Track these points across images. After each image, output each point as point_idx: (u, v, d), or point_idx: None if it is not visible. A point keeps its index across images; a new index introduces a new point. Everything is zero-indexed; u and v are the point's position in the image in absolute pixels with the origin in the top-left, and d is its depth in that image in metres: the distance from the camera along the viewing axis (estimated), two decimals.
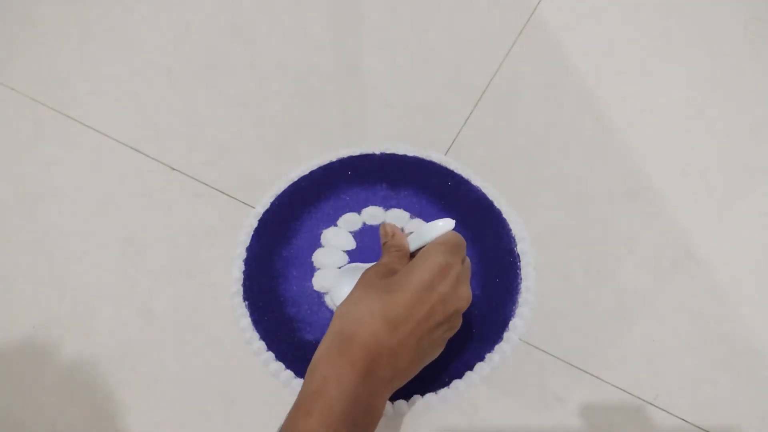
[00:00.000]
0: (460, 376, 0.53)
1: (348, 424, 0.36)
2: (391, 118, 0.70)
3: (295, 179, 0.65)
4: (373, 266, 0.45)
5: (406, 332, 0.38)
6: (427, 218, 0.61)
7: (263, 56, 0.77)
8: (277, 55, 0.77)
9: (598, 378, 0.53)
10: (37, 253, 0.63)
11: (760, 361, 0.53)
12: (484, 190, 0.63)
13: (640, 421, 0.51)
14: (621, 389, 0.52)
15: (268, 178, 0.66)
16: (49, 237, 0.63)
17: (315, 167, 0.66)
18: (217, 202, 0.65)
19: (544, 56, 0.74)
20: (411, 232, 0.47)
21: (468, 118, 0.69)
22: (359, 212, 0.62)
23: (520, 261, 0.59)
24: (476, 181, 0.64)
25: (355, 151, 0.67)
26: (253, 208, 0.64)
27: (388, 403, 0.52)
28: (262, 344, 0.55)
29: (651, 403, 0.51)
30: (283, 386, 0.53)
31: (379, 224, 0.47)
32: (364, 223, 0.61)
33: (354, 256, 0.59)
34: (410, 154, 0.66)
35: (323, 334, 0.55)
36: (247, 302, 0.58)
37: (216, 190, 0.66)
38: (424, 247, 0.45)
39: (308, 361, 0.54)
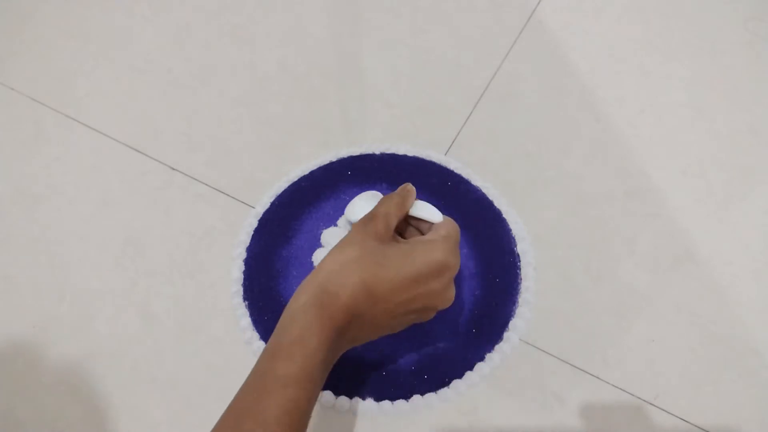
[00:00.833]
0: (460, 376, 0.53)
1: (320, 373, 0.38)
2: (391, 118, 0.70)
3: (295, 179, 0.65)
4: (370, 218, 0.43)
5: (384, 309, 0.40)
6: None
7: (263, 56, 0.77)
8: (277, 55, 0.77)
9: (598, 378, 0.53)
10: (37, 253, 0.63)
11: (760, 361, 0.53)
12: (484, 190, 0.63)
13: (640, 421, 0.51)
14: (621, 389, 0.52)
15: (268, 178, 0.66)
16: (49, 237, 0.64)
17: (315, 167, 0.66)
18: (217, 202, 0.65)
19: (544, 56, 0.74)
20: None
21: (468, 118, 0.69)
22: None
23: (520, 261, 0.59)
24: (476, 181, 0.64)
25: (355, 151, 0.67)
26: (253, 208, 0.64)
27: (389, 402, 0.52)
28: (262, 344, 0.55)
29: (651, 403, 0.51)
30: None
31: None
32: None
33: None
34: (410, 154, 0.66)
35: None
36: (247, 302, 0.58)
37: (216, 190, 0.66)
38: (424, 222, 0.46)
39: None
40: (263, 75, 0.75)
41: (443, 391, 0.52)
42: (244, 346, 0.56)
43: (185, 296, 0.59)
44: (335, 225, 0.61)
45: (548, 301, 0.57)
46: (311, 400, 0.38)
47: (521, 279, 0.58)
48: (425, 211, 0.46)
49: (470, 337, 0.54)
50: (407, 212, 0.46)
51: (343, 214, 0.62)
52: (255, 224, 0.62)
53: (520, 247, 0.59)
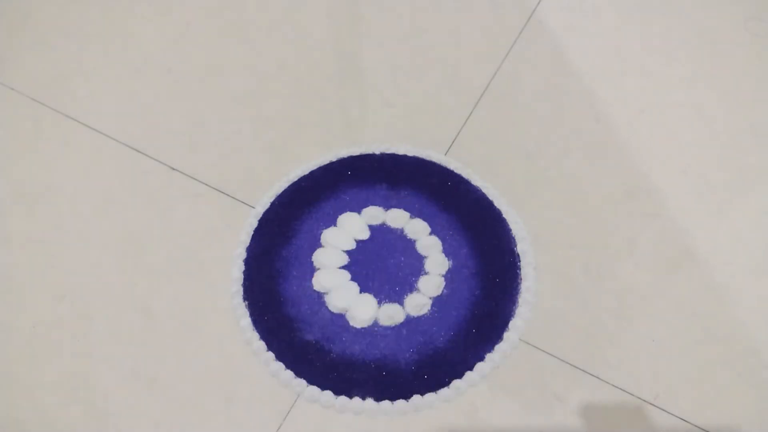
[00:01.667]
0: (460, 376, 0.53)
1: None
2: (391, 118, 0.70)
3: (295, 179, 0.65)
4: None
5: None
6: (427, 218, 0.61)
7: (263, 56, 0.77)
8: (277, 55, 0.77)
9: (598, 378, 0.53)
10: (37, 253, 0.62)
11: (760, 361, 0.53)
12: (484, 190, 0.63)
13: (640, 421, 0.51)
14: (621, 389, 0.52)
15: (268, 178, 0.66)
16: (49, 237, 0.63)
17: (315, 167, 0.66)
18: (217, 202, 0.65)
19: (544, 56, 0.74)
20: None
21: (468, 118, 0.69)
22: (359, 212, 0.62)
23: (520, 261, 0.59)
24: (476, 181, 0.64)
25: (355, 151, 0.67)
26: (253, 208, 0.64)
27: (389, 402, 0.52)
28: (262, 344, 0.55)
29: (651, 403, 0.51)
30: (283, 386, 0.53)
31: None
32: (369, 225, 0.61)
33: (354, 255, 0.59)
34: (410, 154, 0.66)
35: (323, 334, 0.55)
36: (247, 302, 0.58)
37: (216, 190, 0.66)
38: None
39: (308, 361, 0.54)
40: (263, 75, 0.75)
41: (443, 391, 0.52)
42: (244, 346, 0.56)
43: (185, 296, 0.59)
44: (335, 225, 0.61)
45: (548, 301, 0.57)
46: None
47: (521, 279, 0.58)
48: None
49: (470, 337, 0.54)
50: None
51: (343, 214, 0.62)
52: (255, 224, 0.62)
53: (520, 247, 0.59)
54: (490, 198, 0.62)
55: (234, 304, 0.58)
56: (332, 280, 0.57)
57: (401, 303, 0.56)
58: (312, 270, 0.59)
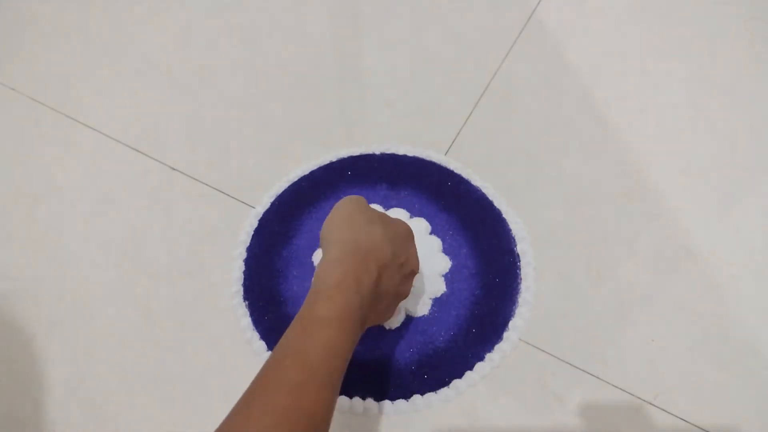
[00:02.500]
0: (460, 376, 0.53)
1: (358, 317, 0.40)
2: (391, 118, 0.70)
3: (295, 179, 0.65)
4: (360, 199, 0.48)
5: (396, 264, 0.44)
6: (427, 218, 0.61)
7: (263, 56, 0.77)
8: (277, 55, 0.77)
9: (598, 378, 0.53)
10: (37, 253, 0.63)
11: (760, 361, 0.53)
12: (484, 190, 0.63)
13: (640, 421, 0.51)
14: (621, 389, 0.52)
15: (268, 178, 0.66)
16: (49, 237, 0.64)
17: (315, 167, 0.66)
18: (217, 202, 0.65)
19: (544, 56, 0.74)
20: None
21: (468, 118, 0.69)
22: None
23: (520, 261, 0.59)
24: (476, 181, 0.64)
25: (355, 151, 0.67)
26: (253, 208, 0.64)
27: (389, 402, 0.52)
28: (262, 344, 0.55)
29: (651, 403, 0.51)
30: None
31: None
32: None
33: None
34: (410, 154, 0.66)
35: None
36: (247, 302, 0.58)
37: (216, 190, 0.66)
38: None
39: None
40: (263, 75, 0.75)
41: (443, 391, 0.52)
42: (244, 346, 0.56)
43: (185, 296, 0.59)
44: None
45: (548, 301, 0.57)
46: (350, 342, 0.39)
47: (521, 279, 0.58)
48: None
49: (470, 337, 0.54)
50: None
51: None
52: (255, 224, 0.62)
53: (520, 247, 0.59)
54: (490, 198, 0.62)
55: (234, 304, 0.58)
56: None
57: (401, 303, 0.56)
58: (312, 270, 0.59)
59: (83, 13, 0.82)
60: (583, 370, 0.53)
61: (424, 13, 0.79)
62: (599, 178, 0.64)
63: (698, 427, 0.50)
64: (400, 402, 0.52)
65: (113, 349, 0.56)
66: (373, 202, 0.62)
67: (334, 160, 0.66)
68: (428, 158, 0.66)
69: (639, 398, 0.52)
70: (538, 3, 0.79)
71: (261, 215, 0.63)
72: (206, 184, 0.66)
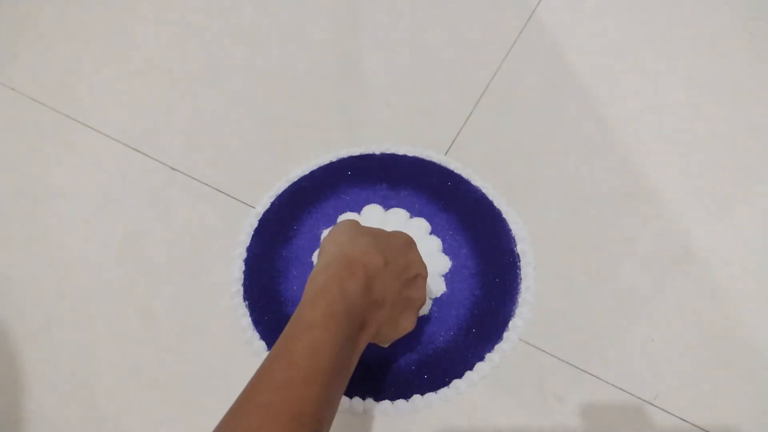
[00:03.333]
0: (460, 376, 0.53)
1: (345, 319, 0.40)
2: (391, 118, 0.70)
3: (295, 179, 0.65)
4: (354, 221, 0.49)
5: (393, 271, 0.44)
6: (427, 218, 0.61)
7: (263, 56, 0.77)
8: (277, 55, 0.77)
9: (598, 378, 0.53)
10: (37, 252, 0.63)
11: (760, 361, 0.53)
12: (484, 190, 0.63)
13: (640, 421, 0.51)
14: (621, 389, 0.52)
15: (268, 178, 0.66)
16: (49, 237, 0.64)
17: (315, 167, 0.66)
18: (217, 202, 0.65)
19: (544, 56, 0.74)
20: None
21: (468, 118, 0.69)
22: (359, 212, 0.62)
23: (520, 261, 0.59)
24: (476, 181, 0.64)
25: (355, 151, 0.67)
26: (253, 208, 0.64)
27: (389, 402, 0.52)
28: (262, 344, 0.55)
29: (651, 403, 0.51)
30: None
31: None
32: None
33: None
34: (410, 154, 0.66)
35: None
36: (247, 302, 0.58)
37: (216, 190, 0.66)
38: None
39: None
40: (263, 75, 0.75)
41: (443, 391, 0.52)
42: (244, 346, 0.56)
43: (185, 296, 0.59)
44: (335, 225, 0.61)
45: (548, 301, 0.57)
46: (337, 344, 0.40)
47: (521, 279, 0.58)
48: None
49: (470, 337, 0.54)
50: None
51: (342, 213, 0.62)
52: (255, 224, 0.62)
53: (520, 247, 0.59)
54: (490, 198, 0.62)
55: (234, 304, 0.58)
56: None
57: None
58: (312, 270, 0.59)
59: (84, 13, 0.82)
60: (583, 370, 0.53)
61: (424, 13, 0.79)
62: (599, 178, 0.64)
63: (698, 427, 0.50)
64: (400, 402, 0.52)
65: (113, 349, 0.56)
66: (373, 202, 0.62)
67: (334, 160, 0.66)
68: (428, 158, 0.66)
69: (639, 398, 0.52)
70: (538, 3, 0.79)
71: (261, 215, 0.63)
72: (206, 184, 0.66)
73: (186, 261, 0.61)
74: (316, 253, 0.60)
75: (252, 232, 0.62)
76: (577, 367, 0.53)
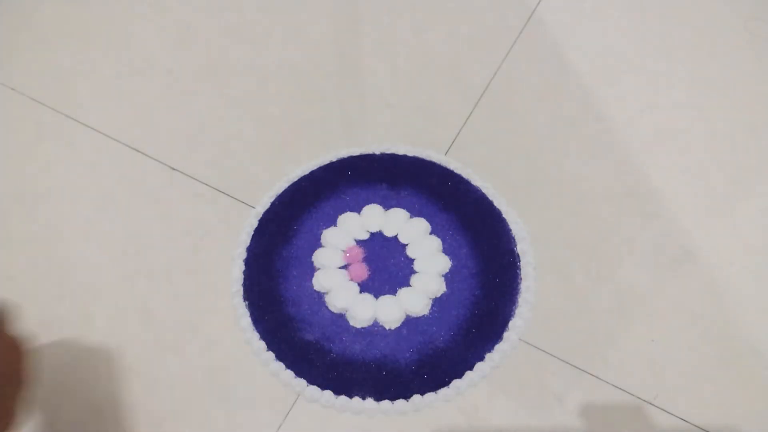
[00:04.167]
0: (459, 376, 0.53)
1: None
2: (391, 118, 0.70)
3: (295, 179, 0.65)
4: None
5: None
6: (427, 218, 0.61)
7: (263, 56, 0.77)
8: (278, 55, 0.77)
9: (598, 378, 0.53)
10: (37, 252, 0.63)
11: (760, 361, 0.53)
12: (484, 190, 0.63)
13: (640, 421, 0.51)
14: (621, 389, 0.52)
15: (268, 178, 0.66)
16: (49, 237, 0.63)
17: (315, 167, 0.66)
18: (217, 202, 0.65)
19: (544, 56, 0.74)
20: None
21: (468, 118, 0.69)
22: (359, 212, 0.62)
23: (520, 261, 0.59)
24: (476, 181, 0.64)
25: (355, 151, 0.67)
26: (253, 208, 0.64)
27: (389, 402, 0.52)
28: (262, 344, 0.55)
29: (651, 403, 0.51)
30: (283, 386, 0.53)
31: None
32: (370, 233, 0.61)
33: None
34: (410, 154, 0.66)
35: (323, 333, 0.56)
36: (247, 302, 0.58)
37: (216, 190, 0.66)
38: None
39: (308, 360, 0.54)
40: (263, 75, 0.75)
41: (443, 391, 0.52)
42: (244, 346, 0.56)
43: (185, 296, 0.59)
44: (335, 225, 0.61)
45: (548, 301, 0.57)
46: None
47: (521, 279, 0.58)
48: None
49: (470, 337, 0.54)
50: None
51: (343, 213, 0.62)
52: (255, 224, 0.62)
53: (520, 247, 0.59)
54: (490, 198, 0.62)
55: (234, 304, 0.58)
56: (332, 280, 0.57)
57: (401, 303, 0.56)
58: (312, 270, 0.59)
59: (83, 13, 0.82)
60: (583, 370, 0.53)
61: (424, 13, 0.79)
62: (599, 178, 0.64)
63: (698, 427, 0.50)
64: (400, 402, 0.52)
65: (113, 348, 0.56)
66: (373, 202, 0.62)
67: (334, 160, 0.66)
68: (428, 158, 0.66)
69: (639, 398, 0.52)
70: (538, 3, 0.79)
71: (261, 215, 0.63)
72: (206, 184, 0.66)
73: (186, 261, 0.61)
74: (316, 253, 0.60)
75: (252, 232, 0.62)
76: (577, 367, 0.53)
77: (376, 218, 0.61)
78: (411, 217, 0.61)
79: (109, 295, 0.59)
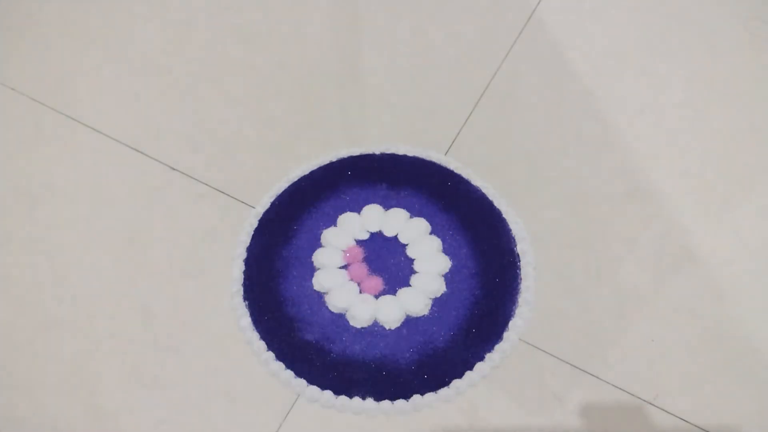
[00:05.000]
0: (460, 376, 0.53)
1: None
2: (391, 118, 0.70)
3: (295, 179, 0.65)
4: None
5: None
6: (427, 217, 0.61)
7: (263, 56, 0.77)
8: (278, 55, 0.77)
9: (597, 378, 0.53)
10: (37, 253, 0.62)
11: (760, 361, 0.53)
12: (484, 190, 0.63)
13: (640, 421, 0.51)
14: (621, 389, 0.52)
15: (268, 178, 0.66)
16: (49, 237, 0.63)
17: (315, 167, 0.66)
18: (218, 202, 0.65)
19: (544, 56, 0.74)
20: None
21: (468, 118, 0.69)
22: (359, 212, 0.62)
23: (520, 261, 0.59)
24: (476, 181, 0.64)
25: (355, 151, 0.67)
26: (253, 208, 0.64)
27: (389, 402, 0.52)
28: (262, 344, 0.55)
29: (651, 403, 0.51)
30: (283, 386, 0.53)
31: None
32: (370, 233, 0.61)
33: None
34: (410, 154, 0.66)
35: (323, 333, 0.56)
36: (247, 302, 0.58)
37: (216, 190, 0.66)
38: None
39: (308, 361, 0.54)
40: (263, 75, 0.75)
41: (443, 391, 0.52)
42: (244, 346, 0.56)
43: (185, 296, 0.59)
44: (335, 225, 0.61)
45: (548, 301, 0.57)
46: None
47: (521, 279, 0.58)
48: None
49: (470, 337, 0.54)
50: None
51: (343, 213, 0.62)
52: (255, 224, 0.62)
53: (520, 247, 0.59)
54: (490, 198, 0.62)
55: (234, 304, 0.58)
56: (332, 280, 0.57)
57: (401, 303, 0.56)
58: (312, 270, 0.59)
59: (83, 13, 0.82)
60: (583, 370, 0.53)
61: (424, 13, 0.79)
62: (599, 178, 0.64)
63: (698, 427, 0.50)
64: (400, 402, 0.52)
65: (113, 348, 0.56)
66: (373, 202, 0.62)
67: (334, 160, 0.66)
68: (428, 158, 0.66)
69: (639, 398, 0.52)
70: (538, 3, 0.79)
71: (261, 215, 0.63)
72: (206, 184, 0.66)
73: (186, 261, 0.61)
74: (316, 253, 0.60)
75: (252, 232, 0.62)
76: (577, 367, 0.53)
77: (376, 218, 0.61)
78: (411, 217, 0.61)
79: (109, 294, 0.59)
